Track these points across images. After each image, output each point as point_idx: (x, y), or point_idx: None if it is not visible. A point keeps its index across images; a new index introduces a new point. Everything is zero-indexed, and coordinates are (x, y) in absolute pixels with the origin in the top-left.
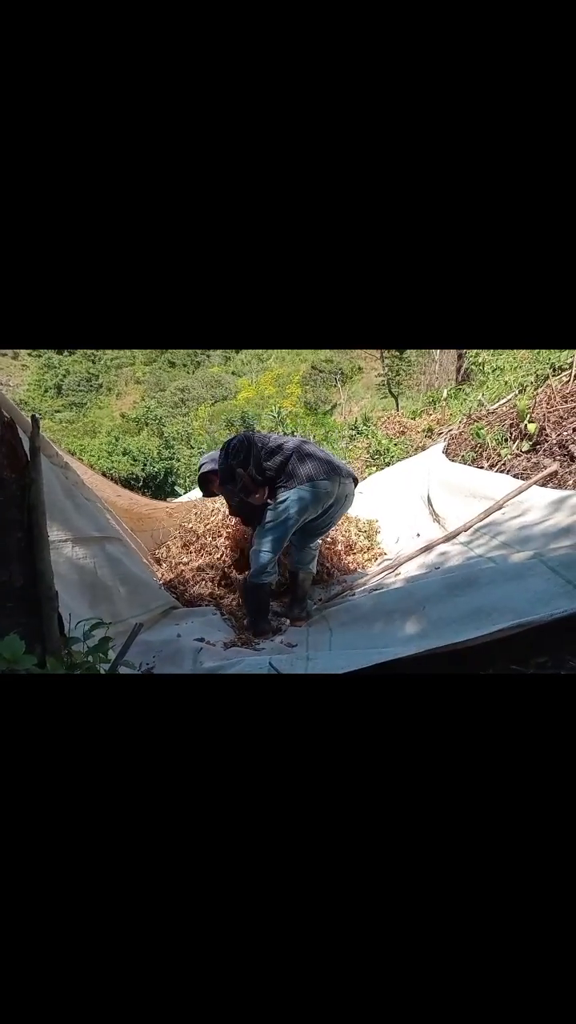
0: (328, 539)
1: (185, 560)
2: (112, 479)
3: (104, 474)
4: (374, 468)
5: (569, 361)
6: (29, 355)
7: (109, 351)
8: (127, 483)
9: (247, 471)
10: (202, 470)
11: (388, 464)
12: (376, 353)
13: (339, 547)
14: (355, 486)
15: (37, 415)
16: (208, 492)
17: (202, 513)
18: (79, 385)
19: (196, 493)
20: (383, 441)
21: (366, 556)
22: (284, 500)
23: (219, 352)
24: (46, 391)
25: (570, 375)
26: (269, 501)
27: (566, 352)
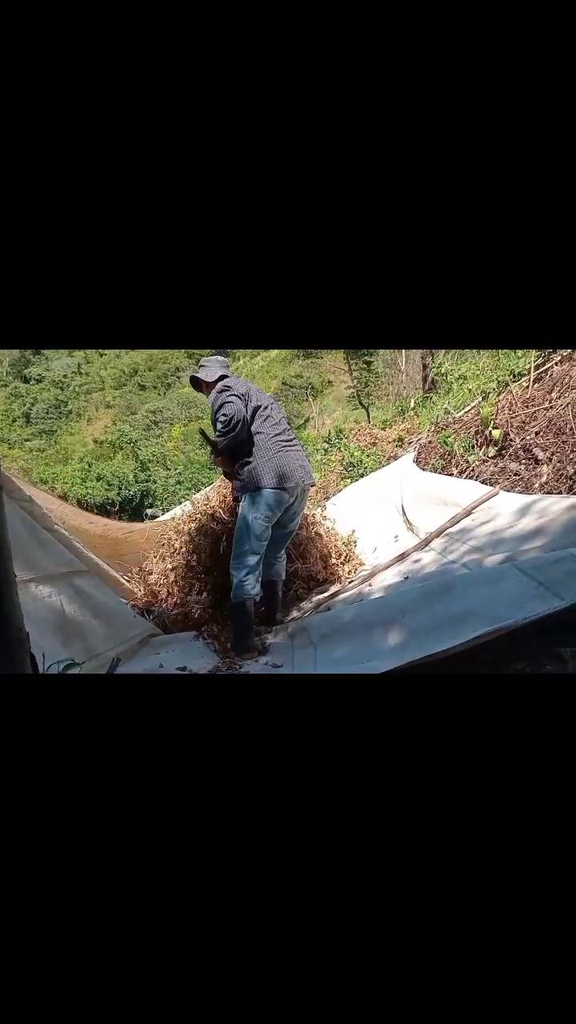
0: (321, 546)
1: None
2: (86, 507)
3: (79, 502)
4: (348, 480)
5: (527, 367)
6: None
7: (76, 378)
8: (103, 509)
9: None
10: (199, 373)
11: (362, 475)
12: (344, 366)
13: (331, 551)
14: (312, 485)
15: None
16: (196, 388)
17: (179, 527)
18: (48, 413)
19: (178, 511)
20: (355, 453)
21: (346, 568)
22: (243, 513)
23: (189, 373)
24: (14, 421)
25: (529, 380)
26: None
27: (524, 359)
